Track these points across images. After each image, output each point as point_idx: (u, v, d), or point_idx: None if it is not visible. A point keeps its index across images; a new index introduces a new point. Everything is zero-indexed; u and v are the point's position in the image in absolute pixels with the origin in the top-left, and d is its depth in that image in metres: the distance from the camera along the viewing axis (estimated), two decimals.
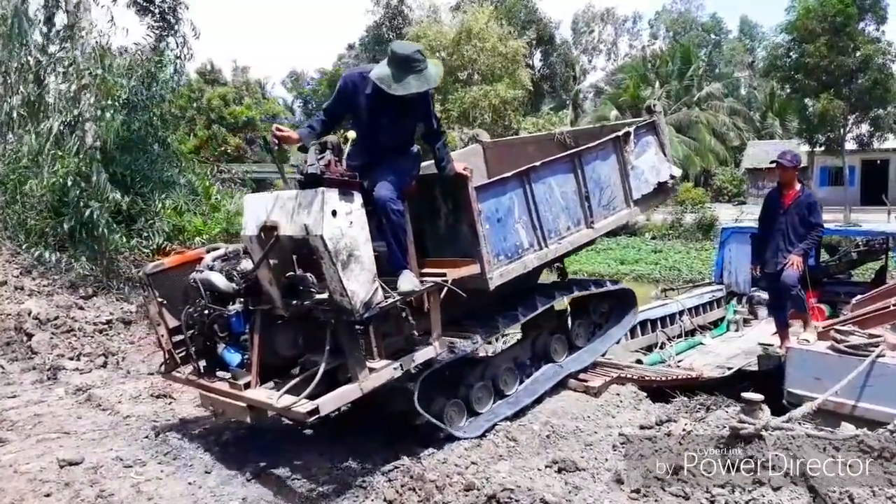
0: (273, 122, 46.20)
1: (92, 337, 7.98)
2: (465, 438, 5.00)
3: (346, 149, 4.54)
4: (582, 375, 6.07)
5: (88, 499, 4.29)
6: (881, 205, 28.69)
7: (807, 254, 6.94)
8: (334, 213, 4.05)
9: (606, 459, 4.35)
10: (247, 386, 4.52)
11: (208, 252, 5.29)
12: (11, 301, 8.50)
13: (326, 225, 4.00)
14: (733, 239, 13.46)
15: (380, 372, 4.40)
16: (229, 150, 39.39)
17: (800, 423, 4.37)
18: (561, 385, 5.88)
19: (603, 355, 6.87)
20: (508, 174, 5.36)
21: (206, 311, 4.76)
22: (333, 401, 4.23)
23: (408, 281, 4.53)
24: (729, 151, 42.20)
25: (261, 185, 15.96)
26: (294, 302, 4.42)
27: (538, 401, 5.65)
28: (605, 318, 6.94)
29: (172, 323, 5.18)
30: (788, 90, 29.65)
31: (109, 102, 9.76)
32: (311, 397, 4.14)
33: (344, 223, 4.09)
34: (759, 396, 4.04)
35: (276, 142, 4.56)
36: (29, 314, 8.06)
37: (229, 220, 11.83)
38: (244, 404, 4.43)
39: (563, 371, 6.12)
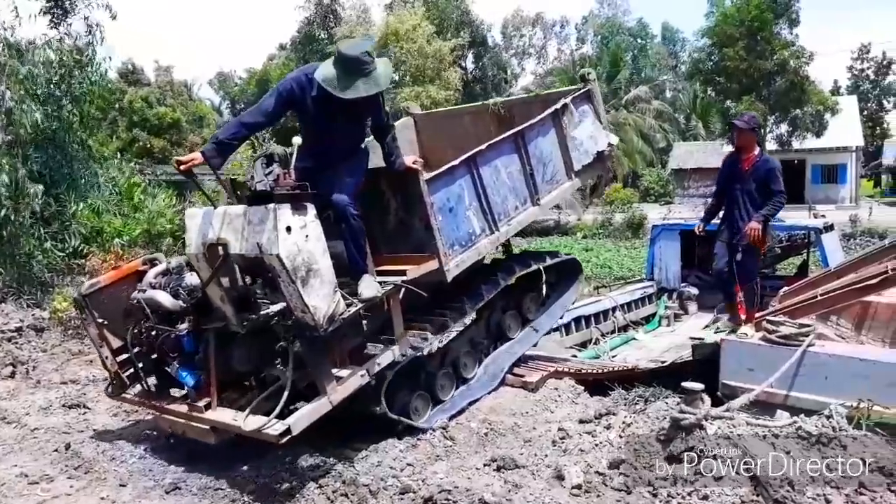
0: (200, 123, 45.00)
1: None
2: (430, 429, 4.91)
3: (294, 158, 4.35)
4: (518, 370, 5.98)
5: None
6: (799, 203, 29.87)
7: (767, 221, 6.39)
8: (288, 229, 3.87)
9: (546, 455, 4.22)
10: (207, 407, 4.39)
11: (145, 264, 5.07)
12: None
13: (282, 243, 3.81)
14: (663, 236, 13.69)
15: (347, 381, 4.33)
16: (154, 153, 38.05)
17: (738, 413, 4.34)
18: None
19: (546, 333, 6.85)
20: (456, 162, 5.22)
21: (154, 332, 4.57)
22: (305, 418, 4.08)
23: (368, 286, 4.44)
24: (655, 153, 43.19)
25: (183, 187, 15.35)
26: (249, 317, 4.27)
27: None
28: (553, 289, 6.89)
29: (116, 343, 4.96)
30: (711, 93, 30.54)
31: (22, 92, 9.16)
32: (281, 416, 4.02)
33: (300, 238, 3.92)
34: (699, 386, 4.00)
35: (181, 171, 4.30)
36: None
37: (151, 221, 11.30)
38: (207, 426, 4.30)
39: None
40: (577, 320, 11.77)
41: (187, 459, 4.63)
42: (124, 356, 4.93)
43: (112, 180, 11.86)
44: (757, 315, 6.56)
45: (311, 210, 4.03)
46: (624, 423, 4.37)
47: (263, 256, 3.90)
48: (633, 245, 25.28)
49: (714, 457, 3.66)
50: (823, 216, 20.79)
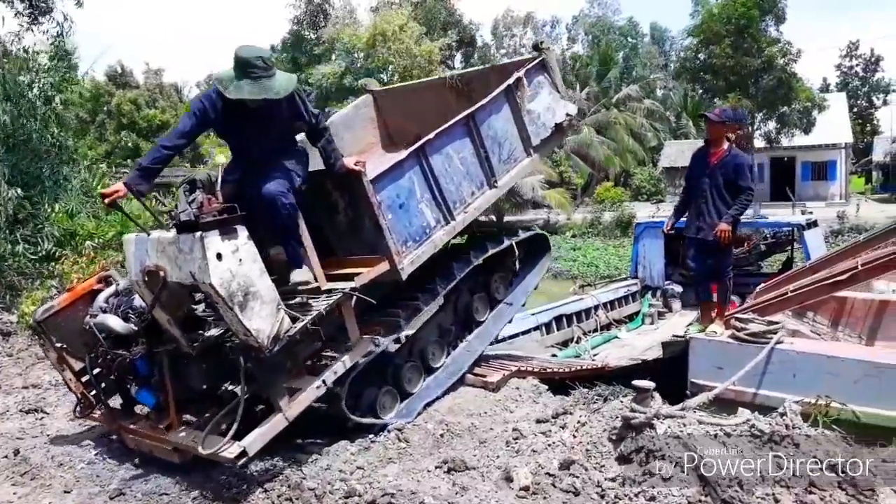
0: None
1: None
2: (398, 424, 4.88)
3: (219, 179, 4.28)
4: (480, 370, 5.86)
5: None
6: (788, 200, 29.85)
7: (736, 221, 6.20)
8: (219, 256, 3.78)
9: (498, 457, 4.12)
10: (168, 427, 4.35)
11: (100, 282, 5.02)
12: None
13: (213, 271, 3.73)
14: (647, 234, 13.62)
15: (302, 395, 4.26)
16: (143, 155, 37.94)
17: (694, 412, 4.26)
18: (459, 381, 5.64)
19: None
20: (404, 155, 5.07)
21: (109, 356, 4.51)
22: (260, 439, 4.03)
23: (301, 274, 4.42)
24: (647, 151, 43.18)
25: (166, 190, 15.24)
26: (199, 337, 4.21)
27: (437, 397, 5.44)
28: (521, 267, 6.70)
29: (78, 364, 4.90)
30: (700, 91, 30.53)
31: None
32: (237, 436, 3.97)
33: (232, 263, 3.83)
34: (649, 384, 3.91)
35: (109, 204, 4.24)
36: None
37: (125, 223, 11.17)
38: (170, 447, 4.26)
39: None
40: (558, 319, 11.70)
41: (140, 464, 4.53)
42: (87, 377, 4.87)
43: (84, 182, 11.72)
44: (728, 313, 6.49)
45: (243, 232, 3.94)
46: (579, 422, 4.28)
47: (198, 284, 3.83)
48: (622, 244, 25.30)
49: (662, 457, 3.58)
50: (811, 213, 20.85)
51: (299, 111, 4.60)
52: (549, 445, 4.13)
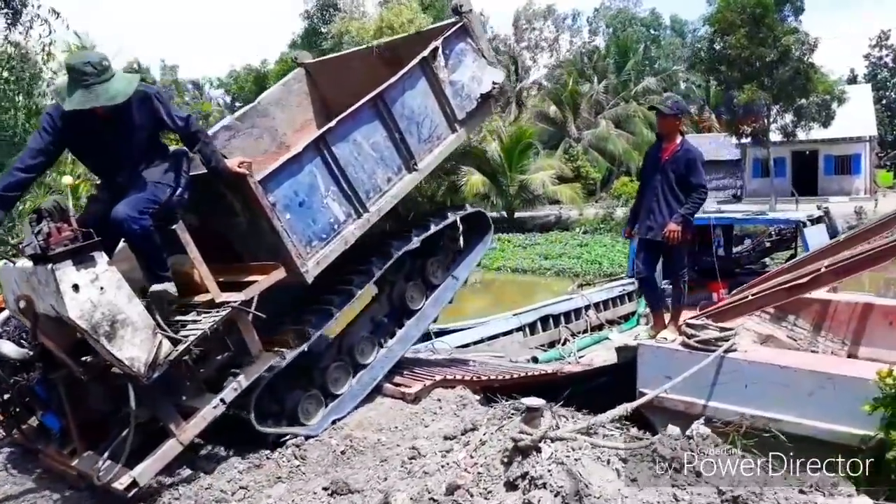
0: (206, 121, 45.07)
1: None
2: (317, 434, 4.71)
3: (69, 201, 4.01)
4: (400, 379, 5.48)
5: None
6: (813, 195, 29.02)
7: (687, 220, 5.83)
8: (76, 287, 3.60)
9: (386, 478, 3.82)
10: (73, 453, 4.17)
11: None
12: None
13: (70, 304, 3.56)
14: None
15: (198, 416, 4.08)
16: None
17: (605, 428, 3.91)
18: (376, 391, 5.32)
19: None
20: (299, 149, 4.71)
21: (13, 381, 4.36)
22: (152, 467, 3.86)
23: (164, 287, 4.16)
24: None
25: None
26: (88, 361, 4.05)
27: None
28: (460, 248, 6.22)
29: None
30: (715, 83, 29.80)
31: None
32: (130, 464, 3.83)
33: (92, 293, 3.65)
34: (539, 402, 3.56)
35: None
36: None
37: None
38: (74, 472, 4.09)
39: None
40: (543, 320, 11.34)
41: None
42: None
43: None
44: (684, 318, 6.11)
45: (101, 258, 3.74)
46: (480, 441, 3.95)
47: (62, 317, 3.62)
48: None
49: (543, 485, 3.24)
50: (826, 208, 20.13)
51: (158, 116, 4.27)
52: (444, 466, 3.80)
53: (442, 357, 7.41)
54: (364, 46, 6.61)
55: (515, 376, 6.02)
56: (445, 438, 4.28)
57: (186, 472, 4.18)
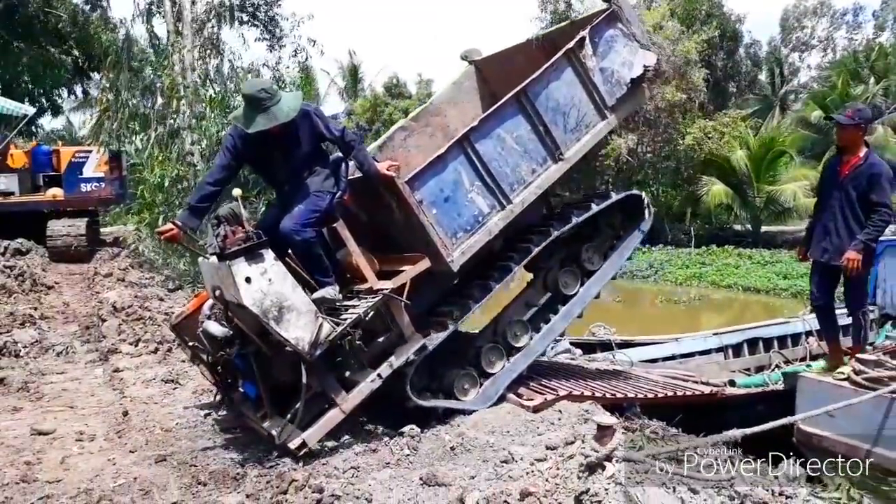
0: None
1: (159, 326, 8.72)
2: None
3: (243, 209, 4.74)
4: (523, 390, 5.44)
5: (19, 462, 4.69)
6: None
7: (869, 247, 5.27)
8: (248, 279, 4.25)
9: (473, 477, 3.97)
10: (264, 416, 4.84)
11: None
12: (105, 290, 9.58)
13: (245, 294, 4.22)
14: (888, 252, 11.65)
15: (358, 388, 4.62)
16: None
17: (699, 455, 3.74)
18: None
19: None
20: (443, 150, 5.06)
21: (219, 355, 5.15)
22: (319, 430, 4.48)
23: (323, 293, 4.69)
24: None
25: None
26: (270, 339, 4.67)
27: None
28: (617, 233, 6.18)
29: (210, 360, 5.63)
30: None
31: (205, 111, 10.71)
32: (304, 427, 4.45)
33: (263, 284, 4.29)
34: (611, 420, 3.51)
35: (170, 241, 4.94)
36: (107, 303, 9.04)
37: None
38: (265, 433, 4.75)
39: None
40: (751, 342, 10.56)
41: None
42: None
43: None
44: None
45: (269, 254, 4.36)
46: (571, 454, 3.97)
47: (240, 304, 4.27)
48: None
49: (599, 503, 3.22)
50: None
51: (318, 130, 4.84)
52: (529, 473, 3.87)
53: (601, 368, 7.28)
54: (525, 40, 6.74)
55: (661, 395, 5.78)
56: (547, 448, 4.33)
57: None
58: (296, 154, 4.84)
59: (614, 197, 5.95)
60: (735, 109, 32.85)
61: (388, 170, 4.87)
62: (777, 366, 10.12)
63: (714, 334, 10.39)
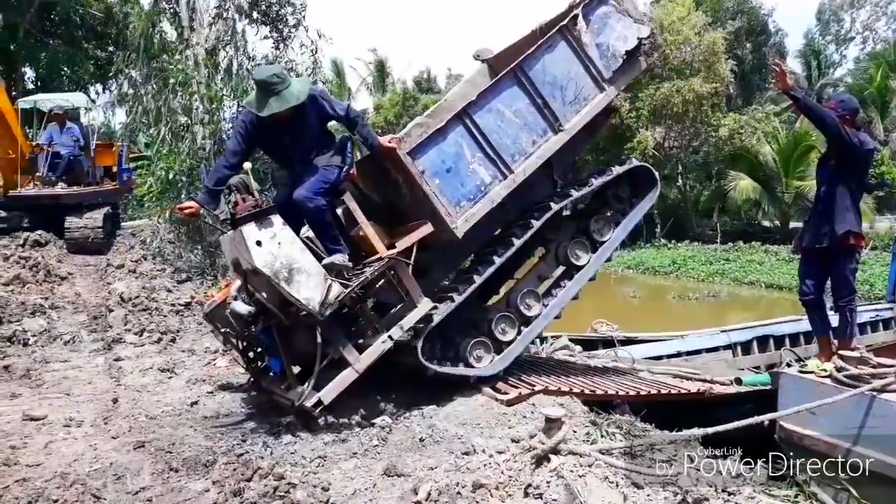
0: None
1: (165, 316, 8.87)
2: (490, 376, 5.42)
3: (251, 180, 4.94)
4: (501, 385, 5.45)
5: (4, 447, 4.81)
6: None
7: (802, 102, 5.29)
8: (259, 243, 4.49)
9: (434, 468, 3.99)
10: (287, 388, 5.07)
11: None
12: (116, 281, 9.77)
13: (256, 256, 4.45)
14: None
15: (370, 350, 4.87)
16: None
17: (659, 452, 3.72)
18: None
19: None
20: (443, 122, 5.30)
21: (246, 333, 5.38)
22: (334, 388, 4.71)
23: (333, 258, 4.90)
24: None
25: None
26: (289, 310, 4.87)
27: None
28: (625, 204, 6.37)
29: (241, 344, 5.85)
30: None
31: (215, 107, 10.86)
32: (319, 387, 4.69)
33: (272, 247, 4.53)
34: (559, 412, 3.50)
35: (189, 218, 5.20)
36: (115, 293, 9.22)
37: None
38: (289, 402, 4.97)
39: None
40: (761, 340, 10.41)
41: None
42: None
43: None
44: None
45: (277, 220, 4.62)
46: (531, 447, 3.96)
47: (255, 269, 4.47)
48: None
49: (539, 495, 3.22)
50: None
51: (325, 111, 5.13)
52: (487, 465, 3.88)
53: (591, 365, 7.24)
54: (530, 31, 6.84)
55: (643, 393, 5.72)
56: (512, 441, 4.33)
57: (287, 437, 4.74)
58: (305, 135, 5.10)
59: (615, 171, 6.16)
60: (770, 104, 32.26)
61: (389, 143, 5.17)
62: (788, 363, 9.99)
63: (722, 331, 10.28)
